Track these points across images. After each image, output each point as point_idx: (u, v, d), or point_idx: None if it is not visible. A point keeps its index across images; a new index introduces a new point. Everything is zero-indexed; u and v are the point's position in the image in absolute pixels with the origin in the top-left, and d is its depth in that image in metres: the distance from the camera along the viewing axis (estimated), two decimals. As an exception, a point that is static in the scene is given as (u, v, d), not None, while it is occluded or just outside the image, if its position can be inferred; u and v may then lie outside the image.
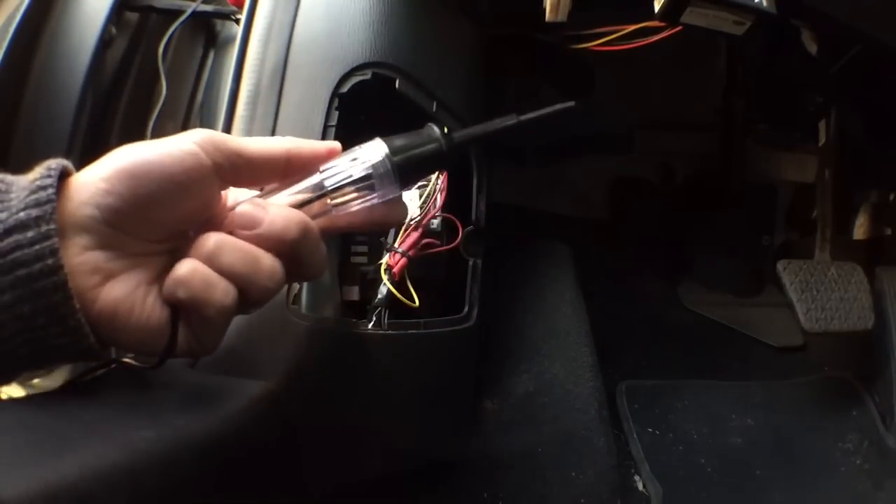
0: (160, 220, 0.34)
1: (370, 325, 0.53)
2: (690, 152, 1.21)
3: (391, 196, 0.38)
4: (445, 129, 0.39)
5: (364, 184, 0.37)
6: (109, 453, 0.27)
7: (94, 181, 0.32)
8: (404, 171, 0.37)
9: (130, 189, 0.32)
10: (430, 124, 0.39)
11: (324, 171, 0.37)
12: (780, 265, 1.04)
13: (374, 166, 0.37)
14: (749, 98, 1.12)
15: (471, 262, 0.61)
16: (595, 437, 0.67)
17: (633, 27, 0.61)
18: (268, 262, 0.35)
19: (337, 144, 0.38)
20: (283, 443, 0.44)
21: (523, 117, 0.40)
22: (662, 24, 0.57)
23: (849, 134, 1.07)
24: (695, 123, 1.20)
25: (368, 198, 0.38)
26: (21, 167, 0.33)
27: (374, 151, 0.37)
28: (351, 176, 0.37)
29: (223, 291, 0.33)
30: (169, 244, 0.35)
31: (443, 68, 0.63)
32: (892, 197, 1.02)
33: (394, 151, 0.37)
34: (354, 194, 0.37)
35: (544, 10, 0.61)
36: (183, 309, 0.34)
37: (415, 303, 0.54)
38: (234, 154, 0.35)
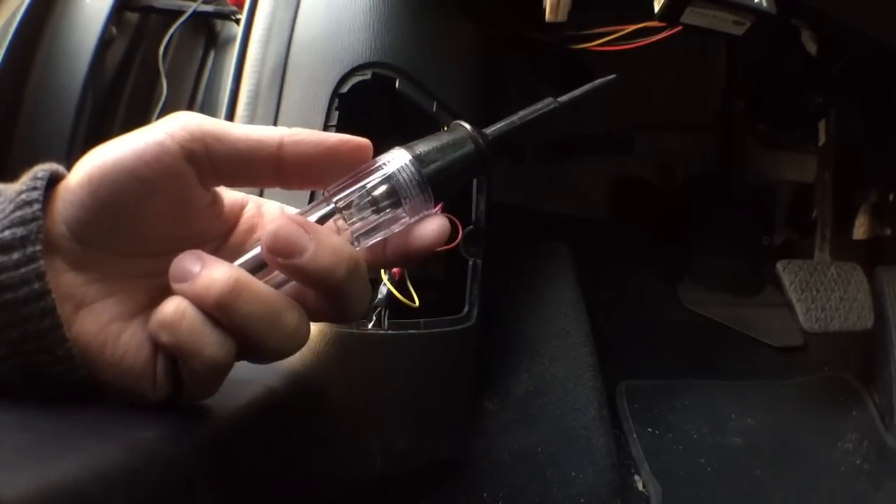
0: (135, 229, 0.29)
1: (370, 325, 0.53)
2: (690, 152, 1.21)
3: (423, 215, 0.31)
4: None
5: (388, 201, 0.30)
6: (109, 453, 0.27)
7: (62, 193, 0.28)
8: (436, 181, 0.31)
9: (91, 194, 0.28)
10: (457, 122, 0.33)
11: (333, 189, 0.31)
12: (779, 265, 1.05)
13: (397, 176, 0.30)
14: (749, 98, 1.12)
15: (471, 262, 0.61)
16: (595, 436, 0.67)
17: (633, 27, 0.61)
18: (291, 319, 0.28)
19: (363, 142, 0.31)
20: (284, 443, 0.44)
21: (562, 99, 0.34)
22: (662, 24, 0.57)
23: (849, 134, 1.07)
24: (695, 123, 1.21)
25: (396, 220, 0.31)
26: (21, 167, 0.32)
27: (394, 160, 0.31)
28: (369, 191, 0.30)
29: (217, 345, 0.27)
30: (156, 263, 0.30)
31: (443, 68, 0.63)
32: (891, 197, 1.02)
33: (419, 158, 0.31)
34: (377, 216, 0.31)
35: (544, 10, 0.61)
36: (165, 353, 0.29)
37: (415, 303, 0.54)
38: (211, 136, 0.29)
